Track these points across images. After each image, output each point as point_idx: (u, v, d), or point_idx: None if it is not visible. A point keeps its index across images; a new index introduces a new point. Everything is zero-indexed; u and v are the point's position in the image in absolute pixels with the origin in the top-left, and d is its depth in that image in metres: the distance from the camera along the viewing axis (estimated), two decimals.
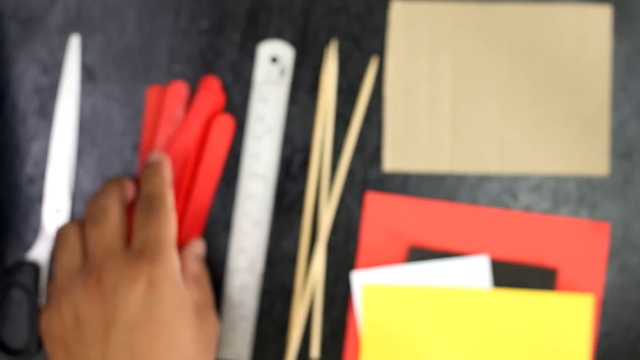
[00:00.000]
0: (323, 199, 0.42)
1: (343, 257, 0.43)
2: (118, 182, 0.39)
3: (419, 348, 0.42)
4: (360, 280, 0.42)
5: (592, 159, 0.42)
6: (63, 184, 0.42)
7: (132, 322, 0.35)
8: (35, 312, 0.41)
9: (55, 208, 0.42)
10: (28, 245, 0.43)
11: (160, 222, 0.37)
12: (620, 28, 0.43)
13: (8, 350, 0.42)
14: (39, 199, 0.43)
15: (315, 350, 0.42)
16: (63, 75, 0.43)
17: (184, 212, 0.42)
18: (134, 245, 0.37)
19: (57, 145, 0.42)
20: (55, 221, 0.42)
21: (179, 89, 0.42)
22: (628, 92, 0.43)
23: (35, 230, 0.43)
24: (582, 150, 0.42)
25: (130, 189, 0.40)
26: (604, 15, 0.42)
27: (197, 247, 0.41)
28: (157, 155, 0.40)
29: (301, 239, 0.42)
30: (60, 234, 0.38)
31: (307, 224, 0.42)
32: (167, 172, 0.40)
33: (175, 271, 0.37)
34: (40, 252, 0.42)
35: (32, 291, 0.41)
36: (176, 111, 0.42)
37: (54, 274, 0.38)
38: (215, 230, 0.43)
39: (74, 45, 0.42)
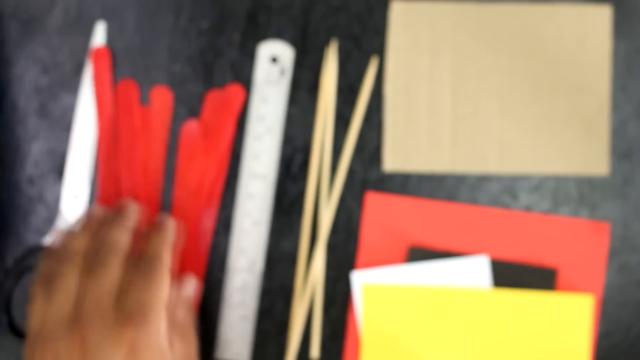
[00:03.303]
0: (323, 199, 0.42)
1: (343, 257, 0.43)
2: (124, 222, 0.39)
3: (419, 348, 0.42)
4: (360, 280, 0.42)
5: (592, 159, 0.42)
6: (83, 170, 0.42)
7: None
8: None
9: (74, 194, 0.42)
10: (28, 245, 0.43)
11: (153, 285, 0.37)
12: (620, 28, 0.43)
13: (21, 335, 0.42)
14: (39, 199, 0.43)
15: (315, 350, 0.42)
16: (87, 61, 0.43)
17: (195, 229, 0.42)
18: (124, 305, 0.37)
19: (78, 131, 0.42)
20: (73, 207, 0.42)
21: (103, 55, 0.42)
22: (628, 92, 0.43)
23: (35, 230, 0.43)
24: (582, 150, 0.42)
25: (135, 222, 0.40)
26: (604, 15, 0.42)
27: (189, 288, 0.41)
28: (166, 217, 0.40)
29: (301, 239, 0.42)
30: (61, 272, 0.38)
31: (307, 224, 0.42)
32: (171, 236, 0.40)
33: (160, 336, 0.36)
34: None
35: None
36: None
37: (46, 311, 0.38)
38: (216, 230, 0.43)
39: (99, 31, 0.43)
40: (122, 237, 0.39)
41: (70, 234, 0.39)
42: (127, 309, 0.36)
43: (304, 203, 0.43)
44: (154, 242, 0.39)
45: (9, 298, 0.42)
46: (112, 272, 0.37)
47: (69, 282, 0.38)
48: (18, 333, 0.42)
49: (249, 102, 0.43)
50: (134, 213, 0.40)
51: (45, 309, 0.38)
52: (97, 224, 0.40)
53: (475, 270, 0.42)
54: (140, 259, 0.38)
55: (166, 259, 0.38)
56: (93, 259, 0.38)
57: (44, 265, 0.39)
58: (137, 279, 0.37)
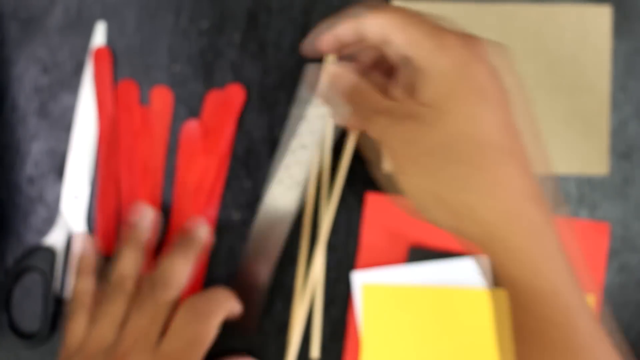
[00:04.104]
0: (323, 200, 0.42)
1: (343, 257, 0.43)
2: (135, 255, 0.39)
3: (419, 348, 0.42)
4: (360, 280, 0.42)
5: (592, 159, 0.42)
6: (83, 170, 0.42)
7: None
8: (49, 298, 0.41)
9: (74, 194, 0.42)
10: (28, 245, 0.43)
11: (209, 325, 0.37)
12: (620, 28, 0.43)
13: (21, 334, 0.42)
14: (39, 199, 0.43)
15: (315, 350, 0.42)
16: (87, 61, 0.43)
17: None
18: (169, 342, 0.36)
19: (78, 131, 0.42)
20: (73, 207, 0.42)
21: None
22: (628, 92, 0.43)
23: (35, 230, 0.43)
24: (582, 150, 0.42)
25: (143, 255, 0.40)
26: (604, 15, 0.42)
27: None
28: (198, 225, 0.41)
29: (301, 239, 0.42)
30: (111, 298, 0.38)
31: (307, 224, 0.42)
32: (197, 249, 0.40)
33: None
34: (56, 237, 0.42)
35: (48, 276, 0.41)
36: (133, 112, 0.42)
37: (88, 332, 0.38)
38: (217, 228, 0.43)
39: (99, 31, 0.43)
40: (183, 273, 0.39)
41: (122, 258, 0.39)
42: (171, 349, 0.36)
43: (304, 203, 0.43)
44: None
45: (9, 298, 0.42)
46: (159, 310, 0.37)
47: (115, 309, 0.37)
48: (18, 333, 0.42)
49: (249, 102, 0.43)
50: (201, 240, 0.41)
51: (88, 331, 0.38)
52: (153, 249, 0.40)
53: (475, 270, 0.42)
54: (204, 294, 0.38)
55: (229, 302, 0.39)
56: (145, 291, 0.38)
57: (83, 284, 0.39)
58: (191, 313, 0.37)
